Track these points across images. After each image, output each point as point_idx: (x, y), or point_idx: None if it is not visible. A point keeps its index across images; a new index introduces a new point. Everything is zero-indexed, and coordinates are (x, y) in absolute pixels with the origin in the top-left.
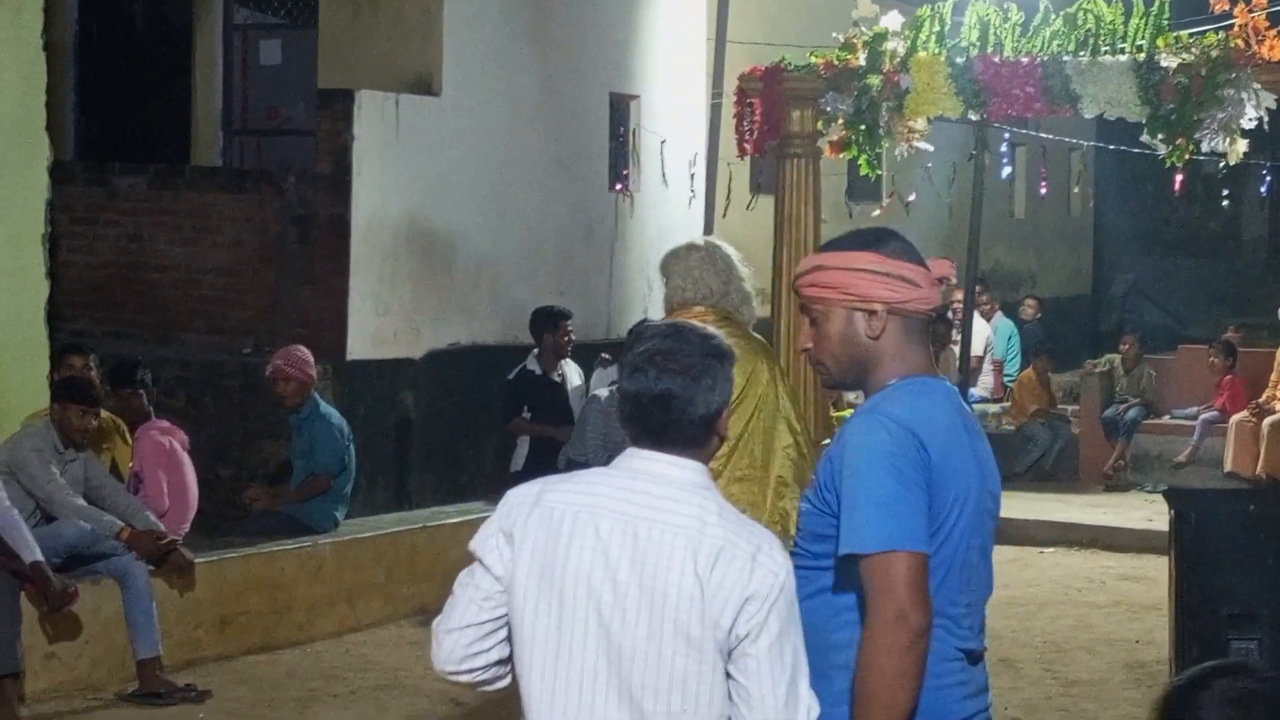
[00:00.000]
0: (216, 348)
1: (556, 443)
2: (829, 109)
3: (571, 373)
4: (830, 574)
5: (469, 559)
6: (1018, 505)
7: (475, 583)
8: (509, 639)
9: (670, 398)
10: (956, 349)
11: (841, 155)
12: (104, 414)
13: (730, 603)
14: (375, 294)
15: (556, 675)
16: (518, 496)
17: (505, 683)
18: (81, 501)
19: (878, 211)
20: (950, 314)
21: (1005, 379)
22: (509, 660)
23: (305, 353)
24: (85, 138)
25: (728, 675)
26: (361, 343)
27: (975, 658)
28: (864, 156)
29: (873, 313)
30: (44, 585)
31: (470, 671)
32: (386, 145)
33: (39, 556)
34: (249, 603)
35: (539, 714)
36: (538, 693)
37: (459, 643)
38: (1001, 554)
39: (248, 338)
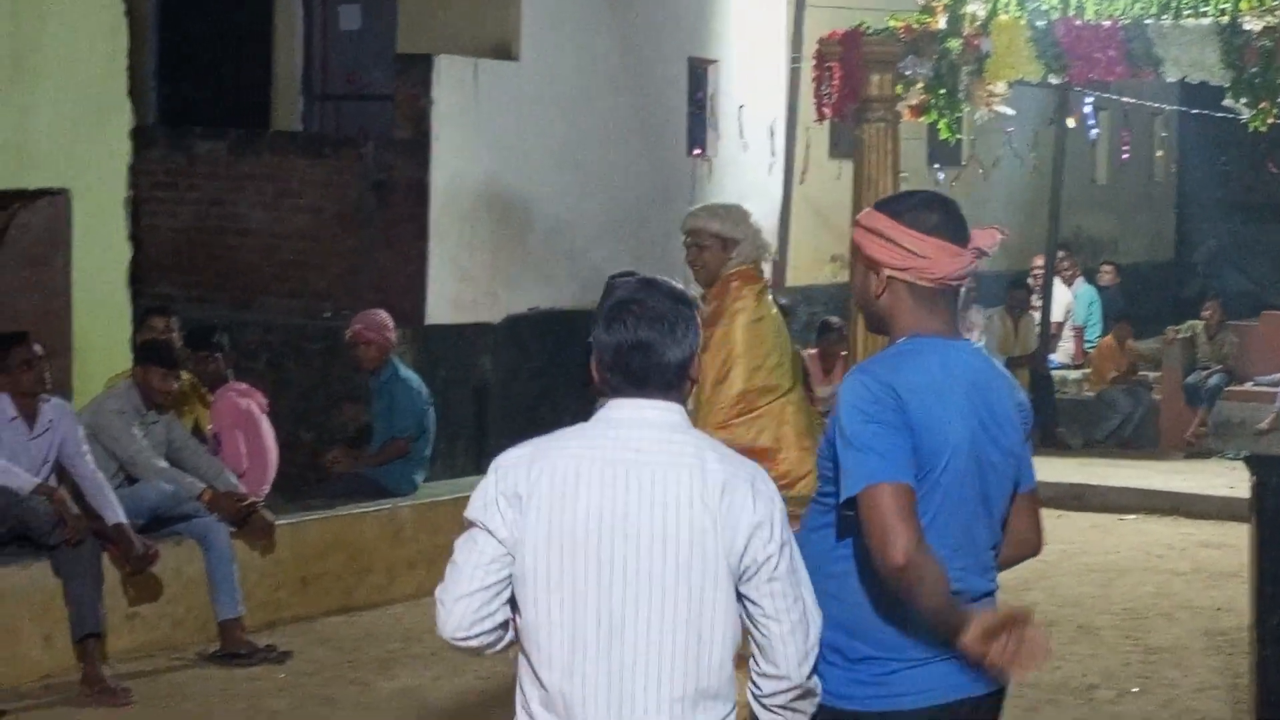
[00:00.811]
0: (297, 312)
1: None
2: (908, 73)
3: None
4: (833, 513)
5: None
6: (1098, 472)
7: (478, 548)
8: (510, 602)
9: (648, 345)
10: (1036, 315)
11: (921, 119)
12: (184, 377)
13: (741, 531)
14: (454, 259)
15: (577, 623)
16: (510, 460)
17: (504, 645)
18: (163, 463)
19: (956, 177)
20: (1030, 280)
21: (1086, 345)
22: (507, 625)
23: (385, 316)
24: (166, 103)
25: (740, 599)
26: (440, 307)
27: (967, 598)
28: (944, 121)
29: (877, 274)
30: (126, 546)
31: (479, 636)
32: (465, 110)
33: (122, 518)
34: (329, 564)
35: (563, 663)
36: (560, 642)
37: (469, 608)
38: (1081, 520)
39: (327, 302)
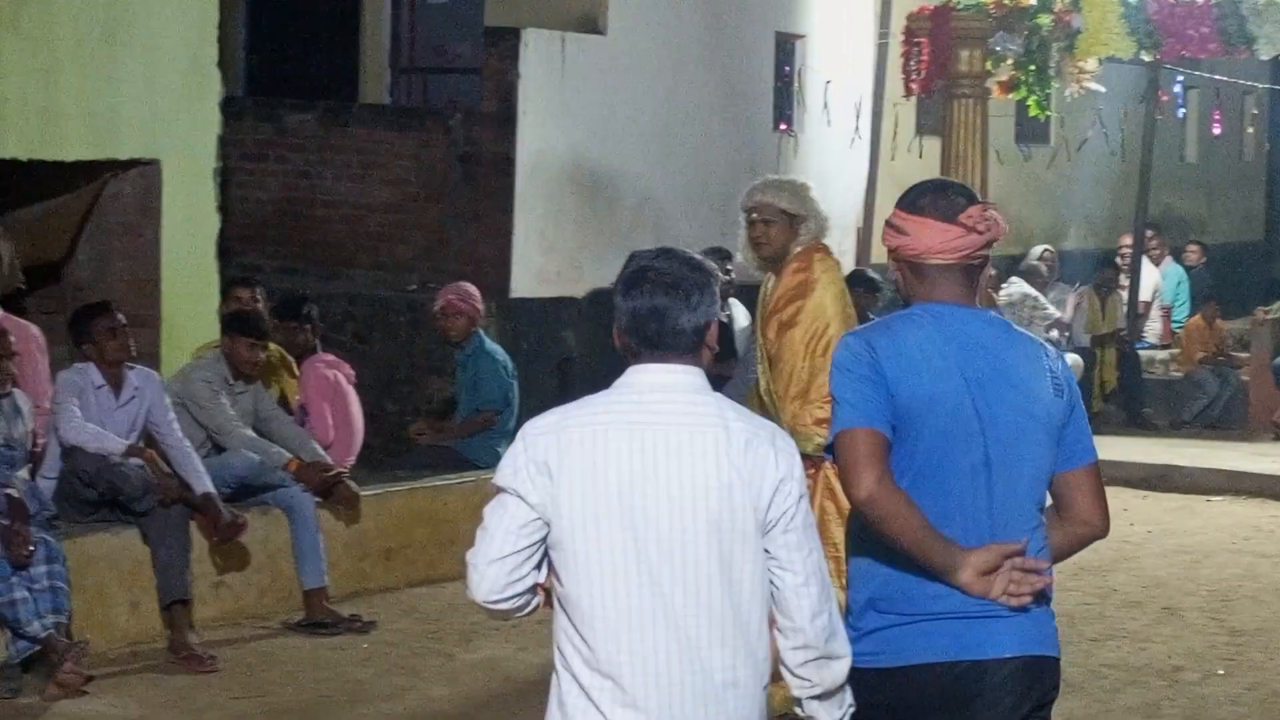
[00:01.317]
0: (383, 284)
1: (723, 378)
2: (998, 49)
3: (738, 312)
4: None
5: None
6: (1184, 453)
7: (509, 514)
8: (541, 565)
9: (663, 311)
10: (1124, 294)
11: (1010, 96)
12: (272, 347)
13: (766, 485)
14: (539, 232)
15: (616, 586)
16: (539, 429)
17: (532, 609)
18: (250, 433)
19: (1049, 159)
20: (1118, 259)
21: (1173, 325)
22: (535, 589)
23: (473, 289)
24: (255, 75)
25: (766, 556)
26: (525, 280)
27: None
28: (1033, 97)
29: (892, 258)
30: (214, 515)
31: (511, 599)
32: (552, 84)
33: (209, 487)
34: (413, 536)
35: (605, 624)
36: (600, 605)
37: (501, 572)
38: (1167, 501)
39: (413, 274)
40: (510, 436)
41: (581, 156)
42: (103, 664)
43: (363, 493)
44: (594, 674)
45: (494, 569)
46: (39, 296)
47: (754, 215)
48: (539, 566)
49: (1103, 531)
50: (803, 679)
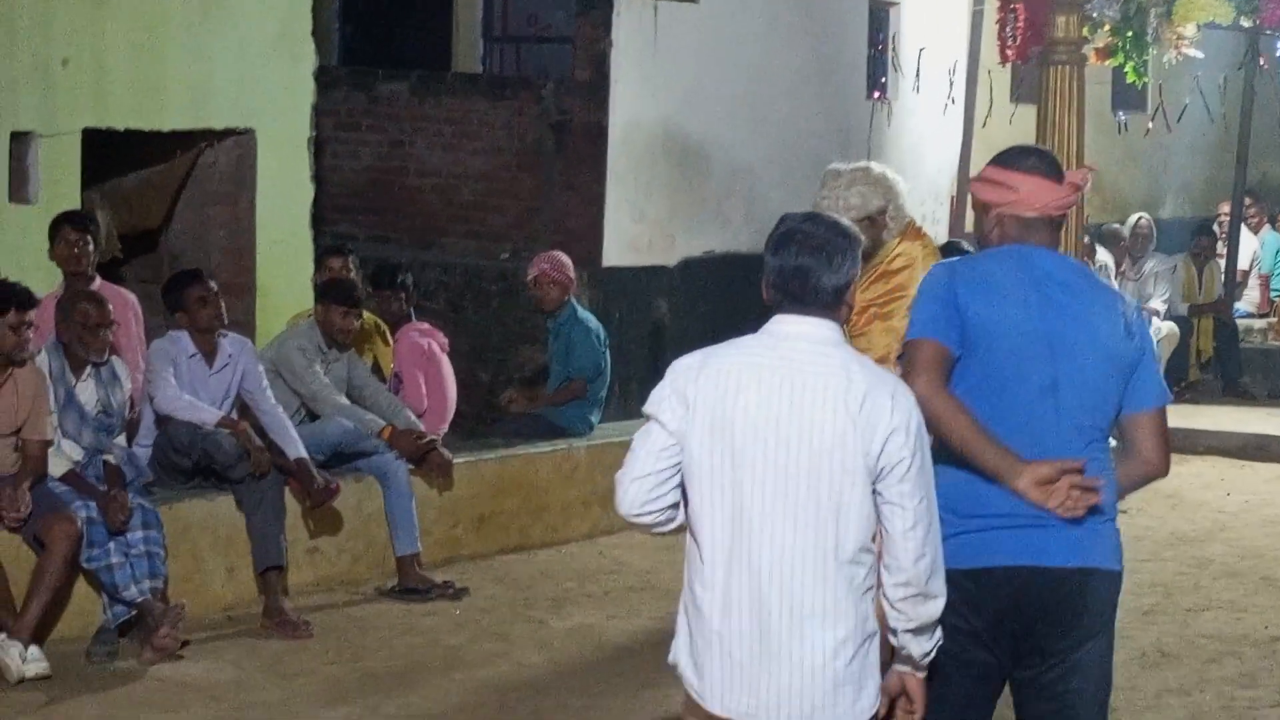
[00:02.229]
0: (475, 253)
1: None
2: (1096, 14)
3: None
4: None
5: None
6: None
7: (652, 438)
8: (680, 486)
9: (807, 270)
10: (1221, 262)
11: (1107, 62)
12: (366, 315)
13: (878, 434)
14: (631, 201)
15: (733, 510)
16: (684, 364)
17: (674, 525)
18: (344, 400)
19: (1145, 126)
20: (1216, 227)
21: (1272, 294)
22: (677, 506)
23: (566, 258)
24: (349, 44)
25: (875, 494)
26: (617, 249)
27: None
28: (1131, 64)
29: (987, 214)
30: (308, 481)
31: (650, 514)
32: (644, 52)
33: (303, 453)
34: (505, 503)
35: (721, 544)
36: (719, 525)
37: (641, 489)
38: (1265, 471)
39: (505, 243)
40: (601, 405)
41: (673, 125)
42: (198, 629)
43: (455, 460)
44: (702, 586)
45: (635, 486)
46: (136, 265)
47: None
48: (679, 487)
49: (1162, 471)
50: (900, 612)
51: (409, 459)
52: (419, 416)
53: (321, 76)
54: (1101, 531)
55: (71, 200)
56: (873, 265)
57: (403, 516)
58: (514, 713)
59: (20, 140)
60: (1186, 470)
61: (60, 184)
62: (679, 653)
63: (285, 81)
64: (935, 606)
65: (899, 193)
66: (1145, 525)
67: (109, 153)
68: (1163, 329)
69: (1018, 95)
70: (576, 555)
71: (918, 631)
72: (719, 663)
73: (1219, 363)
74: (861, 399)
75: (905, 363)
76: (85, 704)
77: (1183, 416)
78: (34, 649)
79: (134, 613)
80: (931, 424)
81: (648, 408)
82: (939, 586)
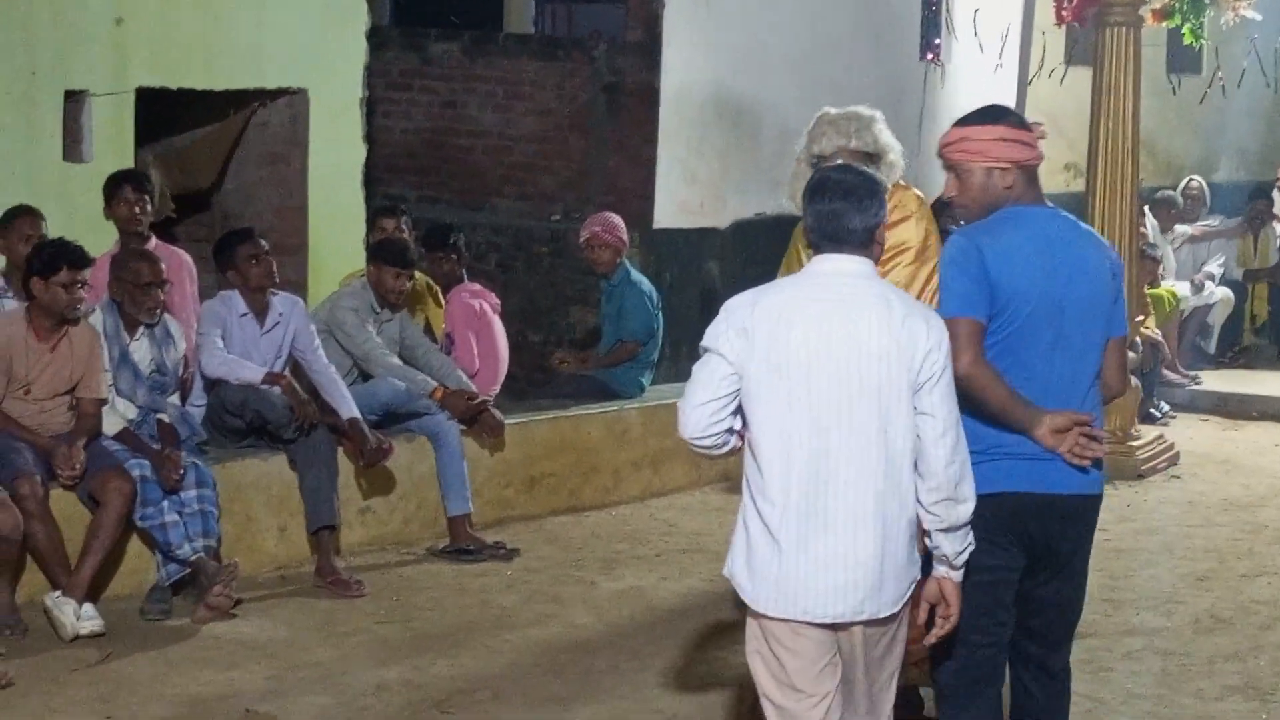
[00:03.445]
0: (526, 214)
1: None
2: None
3: None
4: None
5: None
6: None
7: (710, 368)
8: (738, 412)
9: (840, 213)
10: (1278, 226)
11: (1164, 24)
12: (418, 276)
13: (918, 353)
14: (683, 162)
15: (790, 429)
16: (739, 302)
17: (729, 449)
18: (397, 361)
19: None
20: (1276, 191)
21: None
22: (732, 431)
23: (618, 220)
24: (401, 4)
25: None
26: (668, 211)
27: None
28: (1188, 25)
29: (1005, 170)
30: (360, 441)
31: (711, 437)
32: (696, 13)
33: (355, 413)
34: (556, 464)
35: (780, 461)
36: (777, 444)
37: (703, 415)
38: None
39: (556, 205)
40: (653, 368)
41: (725, 87)
42: (251, 588)
43: (506, 421)
44: (764, 500)
45: (697, 413)
46: (188, 225)
47: (837, 163)
48: (735, 414)
49: (1120, 393)
50: (933, 514)
51: (461, 420)
52: (471, 378)
53: (374, 36)
54: (1093, 462)
55: (125, 160)
56: None
57: (454, 477)
58: (565, 673)
59: (74, 99)
60: (1240, 436)
61: (114, 143)
62: (735, 566)
63: (338, 41)
64: (965, 509)
65: (897, 145)
66: (1199, 490)
67: (162, 112)
68: (1217, 294)
69: (1071, 57)
70: (627, 517)
71: (949, 531)
72: (782, 569)
73: (1273, 328)
74: (902, 322)
75: (950, 342)
76: (139, 661)
77: (1237, 381)
78: (88, 606)
79: (187, 571)
80: (975, 393)
81: (707, 342)
82: (968, 491)
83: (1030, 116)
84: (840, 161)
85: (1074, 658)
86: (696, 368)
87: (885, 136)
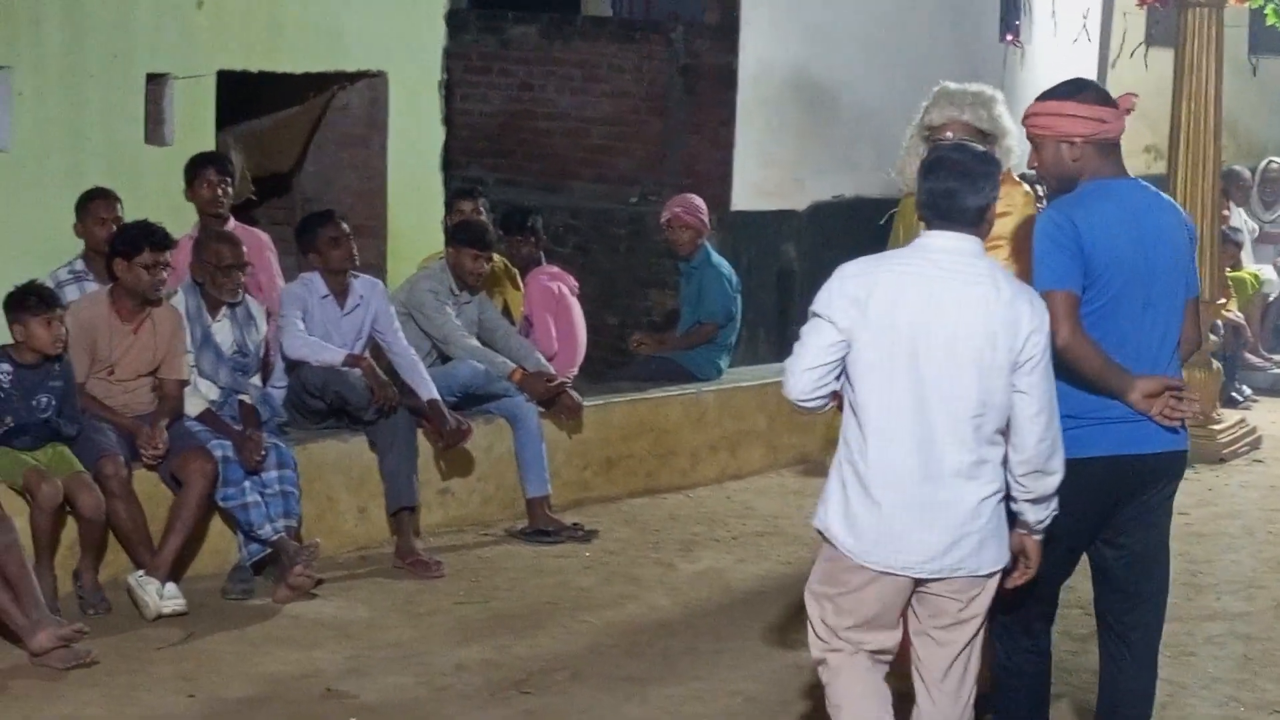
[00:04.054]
0: (604, 196)
1: None
2: None
3: None
4: None
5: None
6: None
7: (820, 334)
8: (840, 376)
9: (953, 192)
10: None
11: (1246, 3)
12: (496, 259)
13: (1021, 333)
14: (760, 145)
15: (894, 396)
16: (852, 270)
17: (826, 408)
18: (475, 342)
19: None
20: None
21: None
22: (833, 395)
23: (699, 201)
24: None
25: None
26: (745, 193)
27: None
28: (1270, 6)
29: (1072, 144)
30: (439, 422)
31: (814, 400)
32: None
33: (435, 394)
34: (634, 447)
35: (882, 425)
36: (881, 410)
37: (810, 378)
38: None
39: (634, 187)
40: (731, 350)
41: (803, 69)
42: (331, 568)
43: (584, 403)
44: (862, 460)
45: (805, 376)
46: (268, 207)
47: (948, 135)
48: (838, 378)
49: (1197, 345)
50: (1021, 485)
51: (539, 401)
52: (549, 360)
53: (452, 20)
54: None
55: (206, 142)
56: None
57: (533, 459)
58: (643, 655)
59: (156, 82)
60: None
61: (195, 126)
62: (830, 519)
63: (416, 24)
64: (1053, 482)
65: (1015, 132)
66: (1279, 474)
67: (242, 95)
68: None
69: (1151, 38)
70: (705, 500)
71: (1035, 502)
72: (878, 525)
73: None
74: (1008, 303)
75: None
76: (221, 640)
77: None
78: (171, 586)
79: (269, 551)
80: (1073, 364)
81: (817, 307)
82: (1057, 465)
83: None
84: (951, 135)
85: None
86: (805, 331)
87: (1005, 120)
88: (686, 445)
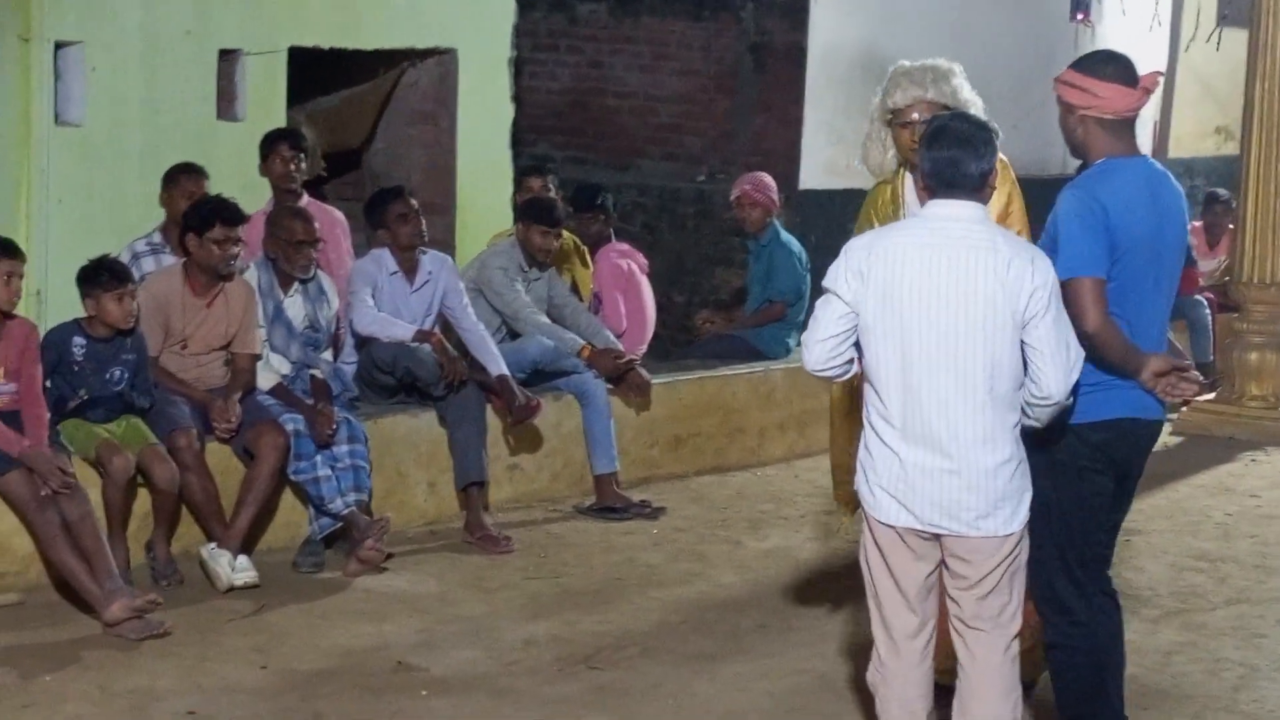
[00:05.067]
0: (672, 174)
1: None
2: None
3: None
4: None
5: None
6: None
7: (831, 307)
8: (855, 344)
9: (955, 160)
10: None
11: None
12: (565, 236)
13: (1023, 292)
14: (829, 123)
15: (904, 360)
16: (857, 245)
17: (849, 375)
18: (545, 319)
19: None
20: None
21: None
22: (852, 361)
23: (769, 179)
24: None
25: (1022, 345)
26: (814, 172)
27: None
28: None
29: (1072, 113)
30: (509, 398)
31: (833, 368)
32: None
33: (504, 370)
34: (702, 424)
35: (895, 388)
36: (892, 374)
37: (824, 349)
38: None
39: (702, 165)
40: (800, 329)
41: (873, 46)
42: (401, 542)
43: (653, 381)
44: (883, 420)
45: (819, 347)
46: (337, 184)
47: (914, 115)
48: (855, 345)
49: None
50: (1033, 418)
51: (608, 379)
52: (618, 337)
53: None
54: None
55: (277, 118)
56: None
57: (601, 435)
58: (711, 632)
59: (228, 58)
60: None
61: (266, 102)
62: (859, 484)
63: (486, 2)
64: (1056, 409)
65: (981, 105)
66: None
67: (313, 71)
68: None
69: (1224, 18)
70: (773, 478)
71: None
72: (898, 484)
73: None
74: (1008, 264)
75: (1073, 295)
76: (292, 613)
77: None
78: (243, 558)
79: (339, 525)
80: (1099, 349)
81: (827, 283)
82: (1066, 399)
83: (1182, 79)
84: (918, 116)
85: (1225, 623)
86: (818, 305)
87: (965, 91)
88: (755, 423)
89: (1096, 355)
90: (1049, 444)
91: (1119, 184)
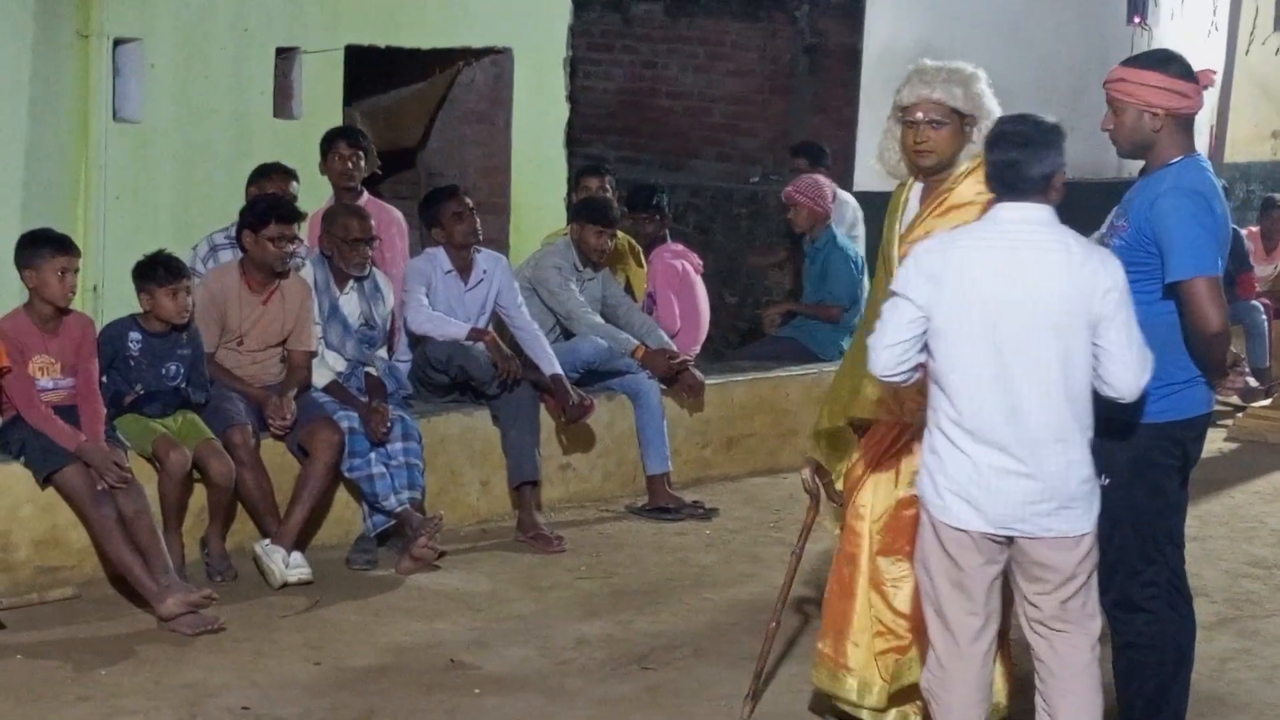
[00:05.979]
0: (726, 175)
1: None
2: None
3: None
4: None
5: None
6: None
7: (900, 311)
8: (923, 350)
9: (1018, 163)
10: None
11: None
12: (620, 236)
13: (1095, 294)
14: (884, 124)
15: (975, 364)
16: (927, 248)
17: (914, 380)
18: (599, 319)
19: None
20: None
21: None
22: (918, 367)
23: (821, 182)
24: None
25: (1093, 345)
26: (869, 173)
27: None
28: None
29: (1154, 114)
30: (562, 397)
31: (900, 373)
32: None
33: (558, 369)
34: (754, 425)
35: (966, 393)
36: (964, 378)
37: (894, 354)
38: None
39: (756, 166)
40: (854, 332)
41: (929, 48)
42: (454, 540)
43: (706, 381)
44: (954, 424)
45: (888, 352)
46: (393, 182)
47: (919, 115)
48: (921, 351)
49: None
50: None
51: (661, 379)
52: (671, 337)
53: None
54: None
55: (333, 117)
56: (941, 190)
57: (654, 436)
58: (764, 633)
59: (285, 56)
60: None
61: (322, 100)
62: (924, 488)
63: (542, 1)
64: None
65: (994, 112)
66: None
67: (369, 70)
68: None
69: None
70: None
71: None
72: (971, 488)
73: None
74: (1080, 265)
75: (1206, 293)
76: (345, 610)
77: None
78: (297, 555)
79: (393, 522)
80: (1220, 348)
81: (896, 286)
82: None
83: (1240, 83)
84: (921, 115)
85: None
86: (886, 309)
87: (987, 99)
88: (807, 425)
89: (1208, 353)
90: (1127, 441)
91: (1206, 180)
